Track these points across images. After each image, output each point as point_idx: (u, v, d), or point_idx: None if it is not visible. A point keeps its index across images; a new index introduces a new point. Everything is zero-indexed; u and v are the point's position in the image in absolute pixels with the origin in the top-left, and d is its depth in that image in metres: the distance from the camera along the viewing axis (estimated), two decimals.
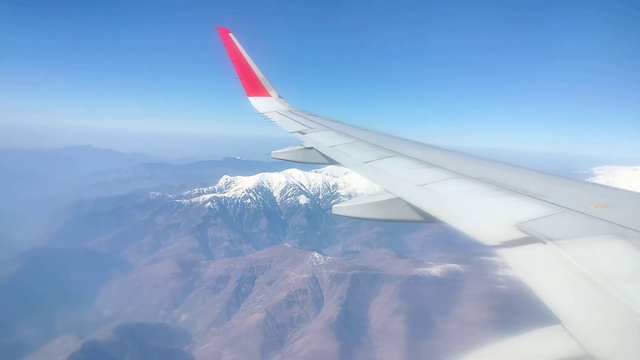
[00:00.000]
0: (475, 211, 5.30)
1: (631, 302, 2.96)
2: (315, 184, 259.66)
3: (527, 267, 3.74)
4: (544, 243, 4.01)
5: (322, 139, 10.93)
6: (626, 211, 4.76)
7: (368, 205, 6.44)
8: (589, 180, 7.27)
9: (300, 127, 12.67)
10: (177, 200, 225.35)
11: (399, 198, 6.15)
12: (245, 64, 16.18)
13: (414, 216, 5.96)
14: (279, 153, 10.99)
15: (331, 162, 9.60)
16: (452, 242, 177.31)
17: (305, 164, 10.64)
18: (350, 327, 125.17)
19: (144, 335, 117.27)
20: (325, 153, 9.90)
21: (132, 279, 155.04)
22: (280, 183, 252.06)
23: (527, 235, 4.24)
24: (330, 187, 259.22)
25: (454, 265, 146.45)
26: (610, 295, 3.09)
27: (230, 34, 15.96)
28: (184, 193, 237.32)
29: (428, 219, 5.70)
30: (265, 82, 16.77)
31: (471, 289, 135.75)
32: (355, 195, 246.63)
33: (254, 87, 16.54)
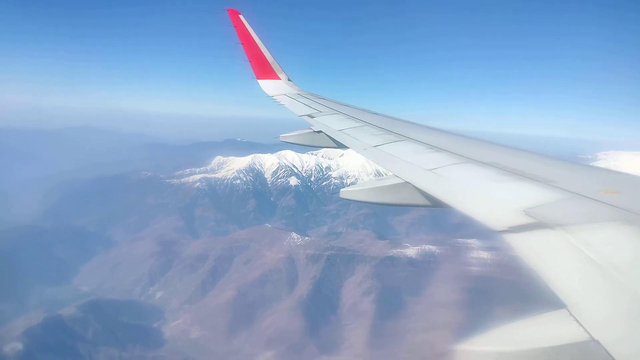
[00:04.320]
0: (483, 196, 5.25)
1: (638, 288, 2.94)
2: (308, 166, 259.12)
3: (535, 253, 3.68)
4: (552, 228, 3.94)
5: (331, 123, 10.91)
6: (636, 197, 4.67)
7: (376, 189, 6.40)
8: (593, 165, 7.12)
9: (309, 111, 12.62)
10: (168, 180, 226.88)
11: (407, 183, 6.10)
12: (255, 46, 16.04)
13: (422, 201, 5.93)
14: (288, 136, 11.11)
15: (340, 145, 9.62)
16: (437, 225, 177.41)
17: (313, 147, 10.72)
18: (320, 306, 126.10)
19: (114, 311, 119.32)
20: (333, 137, 9.90)
21: (113, 257, 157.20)
22: (272, 164, 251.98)
23: (536, 221, 4.17)
24: (323, 169, 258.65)
25: (431, 247, 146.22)
26: (617, 281, 3.06)
27: (240, 16, 15.76)
28: (176, 173, 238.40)
29: (436, 204, 5.65)
30: (274, 64, 16.66)
31: (445, 271, 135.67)
32: (347, 177, 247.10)
33: (264, 70, 16.46)
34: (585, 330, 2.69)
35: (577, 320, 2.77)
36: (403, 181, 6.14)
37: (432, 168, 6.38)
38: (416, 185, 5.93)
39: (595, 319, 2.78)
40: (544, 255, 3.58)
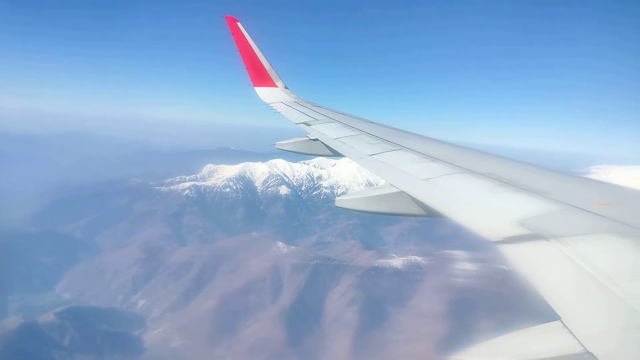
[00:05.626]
0: (478, 207, 5.28)
1: (632, 300, 2.94)
2: (299, 175, 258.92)
3: (529, 264, 3.68)
4: (547, 240, 3.95)
5: (327, 131, 10.96)
6: (630, 209, 4.70)
7: (371, 198, 6.42)
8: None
9: (306, 119, 12.66)
10: (157, 188, 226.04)
11: (402, 192, 6.12)
12: (252, 54, 16.12)
13: (417, 210, 5.97)
14: (284, 144, 11.11)
15: (335, 154, 9.62)
16: (426, 236, 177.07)
17: (309, 155, 10.70)
18: (303, 316, 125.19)
19: (94, 319, 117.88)
20: (330, 145, 9.90)
21: (97, 264, 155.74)
22: (263, 173, 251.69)
23: (530, 232, 4.19)
24: (314, 179, 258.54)
25: (417, 258, 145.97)
26: (611, 294, 3.06)
27: (238, 23, 15.81)
28: (166, 181, 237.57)
29: (431, 214, 5.72)
30: (271, 72, 16.72)
31: (430, 282, 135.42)
32: (338, 187, 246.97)
33: (261, 77, 16.52)
34: (579, 342, 2.65)
35: (571, 332, 2.75)
36: (398, 190, 6.14)
37: (427, 178, 6.39)
38: (411, 194, 5.93)
39: (590, 331, 2.74)
40: (538, 267, 3.58)
